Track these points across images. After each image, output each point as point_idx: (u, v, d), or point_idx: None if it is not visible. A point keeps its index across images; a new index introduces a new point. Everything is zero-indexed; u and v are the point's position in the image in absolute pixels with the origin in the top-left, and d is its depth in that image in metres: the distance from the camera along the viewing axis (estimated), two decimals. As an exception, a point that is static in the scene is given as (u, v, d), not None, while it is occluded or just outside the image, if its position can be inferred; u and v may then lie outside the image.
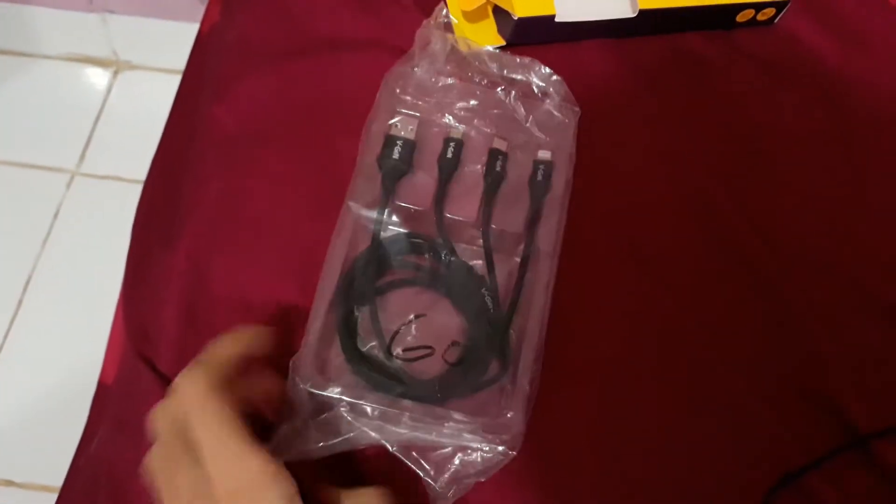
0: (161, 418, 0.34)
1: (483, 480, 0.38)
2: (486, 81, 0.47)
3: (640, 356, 0.44)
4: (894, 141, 0.52)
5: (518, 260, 0.43)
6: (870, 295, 0.47)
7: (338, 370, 0.40)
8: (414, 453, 0.38)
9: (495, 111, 0.47)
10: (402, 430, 0.37)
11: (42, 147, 1.24)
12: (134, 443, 0.42)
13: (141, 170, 0.56)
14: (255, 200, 0.47)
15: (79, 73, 1.31)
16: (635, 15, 0.51)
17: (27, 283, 1.13)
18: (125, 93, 1.30)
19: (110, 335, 0.50)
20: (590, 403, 0.43)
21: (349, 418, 0.37)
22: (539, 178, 0.45)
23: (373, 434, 0.37)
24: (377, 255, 0.43)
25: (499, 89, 0.47)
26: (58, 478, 0.47)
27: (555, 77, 0.47)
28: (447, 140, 0.45)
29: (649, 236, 0.48)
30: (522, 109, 0.47)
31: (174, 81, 0.58)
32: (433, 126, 0.46)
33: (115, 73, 1.31)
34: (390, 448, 0.38)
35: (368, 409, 0.38)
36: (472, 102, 0.47)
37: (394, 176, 0.44)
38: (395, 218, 0.44)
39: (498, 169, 0.45)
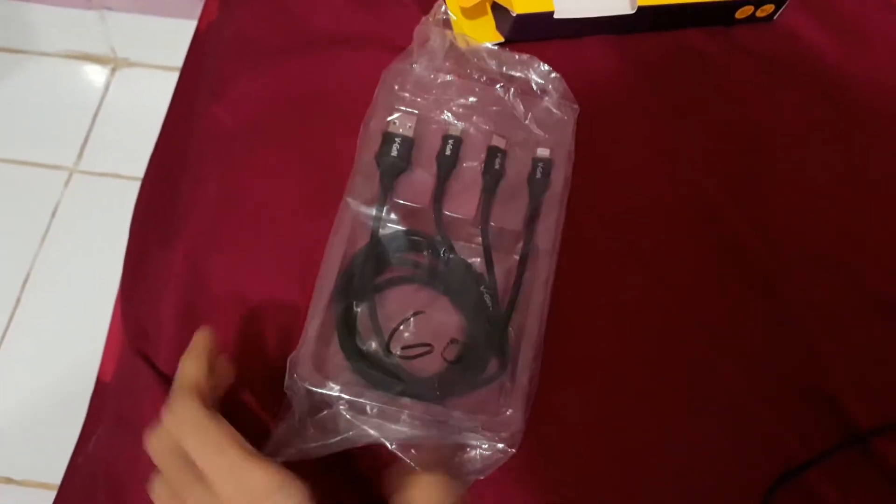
0: (158, 450, 0.34)
1: (482, 478, 0.38)
2: (484, 78, 0.47)
3: (640, 354, 0.44)
4: (894, 139, 0.52)
5: (517, 257, 0.43)
6: (869, 294, 0.47)
7: (336, 368, 0.40)
8: (413, 451, 0.38)
9: (494, 108, 0.46)
10: (402, 428, 0.37)
11: (40, 144, 1.24)
12: (132, 440, 0.42)
13: (139, 167, 0.55)
14: (254, 198, 0.47)
15: (77, 70, 1.31)
16: (634, 11, 0.51)
17: (25, 280, 1.13)
18: (123, 90, 1.29)
19: (109, 333, 0.50)
20: (589, 401, 0.43)
21: (348, 416, 0.37)
22: (538, 175, 0.45)
23: (372, 432, 0.37)
24: (376, 252, 0.43)
25: (498, 86, 0.47)
26: (56, 475, 0.47)
27: (554, 74, 0.47)
28: (446, 137, 0.45)
29: (649, 234, 0.47)
30: (521, 106, 0.47)
31: (172, 79, 0.58)
32: (432, 123, 0.46)
33: (113, 71, 1.31)
34: (389, 446, 0.38)
35: (367, 407, 0.38)
36: (471, 99, 0.46)
37: (392, 173, 0.44)
38: (393, 215, 0.44)
39: (497, 166, 0.45)
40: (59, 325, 1.09)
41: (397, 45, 0.49)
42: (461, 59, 0.47)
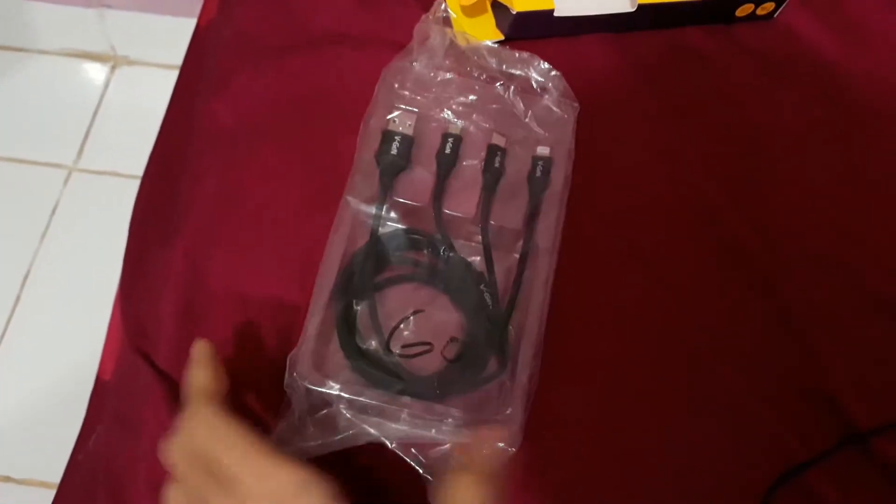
0: (178, 456, 0.34)
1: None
2: (484, 76, 0.47)
3: (640, 354, 0.44)
4: (894, 139, 0.52)
5: (517, 256, 0.43)
6: (869, 294, 0.47)
7: (336, 366, 0.40)
8: (413, 450, 0.38)
9: (494, 106, 0.46)
10: (401, 427, 0.37)
11: (40, 143, 1.23)
12: (132, 438, 0.42)
13: (139, 165, 0.55)
14: (253, 196, 0.47)
15: (76, 68, 1.31)
16: (634, 9, 0.51)
17: (25, 279, 1.13)
18: (123, 88, 1.29)
19: (108, 331, 0.50)
20: (589, 401, 0.42)
21: (348, 415, 0.37)
22: (538, 173, 0.45)
23: (372, 431, 0.37)
24: (375, 250, 0.43)
25: (497, 84, 0.47)
26: (56, 474, 0.47)
27: (554, 72, 0.47)
28: (446, 135, 0.45)
29: (649, 233, 0.47)
30: (521, 104, 0.46)
31: (172, 77, 0.58)
32: (431, 121, 0.46)
33: (113, 69, 1.31)
34: (389, 445, 0.38)
35: (367, 406, 0.37)
36: (471, 97, 0.46)
37: (392, 171, 0.44)
38: (393, 214, 0.44)
39: (497, 165, 0.45)
40: (58, 323, 1.09)
41: (397, 43, 0.49)
42: (461, 57, 0.47)
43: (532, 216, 0.44)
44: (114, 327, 0.49)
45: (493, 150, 0.45)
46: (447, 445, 0.38)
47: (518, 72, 0.47)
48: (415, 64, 0.47)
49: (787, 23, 0.55)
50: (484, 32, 0.52)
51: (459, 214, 0.44)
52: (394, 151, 0.44)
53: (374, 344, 0.41)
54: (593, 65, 0.52)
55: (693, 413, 0.43)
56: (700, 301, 0.46)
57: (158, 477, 0.40)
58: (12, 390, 1.06)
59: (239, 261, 0.45)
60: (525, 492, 0.40)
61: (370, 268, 0.42)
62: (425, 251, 0.44)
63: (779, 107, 0.53)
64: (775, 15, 0.55)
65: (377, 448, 0.38)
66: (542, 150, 0.46)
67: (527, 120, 0.46)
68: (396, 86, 0.46)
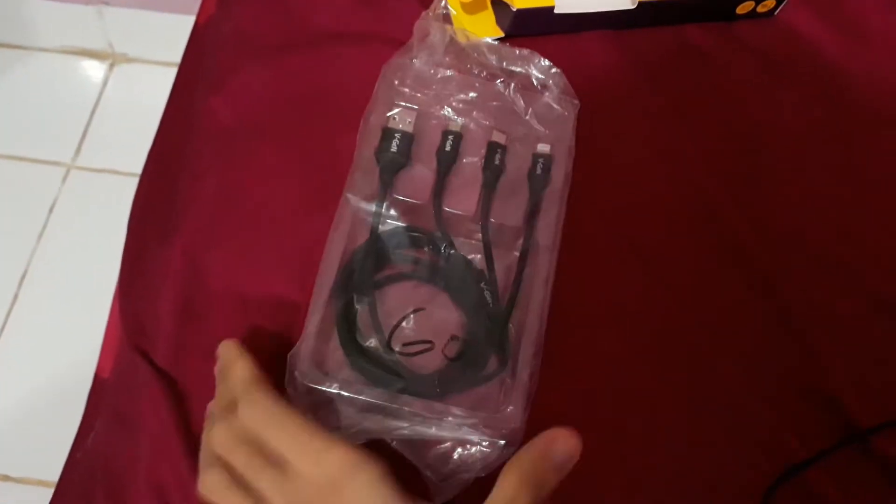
0: (222, 440, 0.35)
1: (483, 475, 0.38)
2: (485, 73, 0.47)
3: (640, 353, 0.44)
4: (894, 139, 0.52)
5: (517, 254, 0.43)
6: (869, 293, 0.47)
7: (337, 365, 0.40)
8: (414, 448, 0.38)
9: (494, 103, 0.46)
10: (402, 425, 0.37)
11: (38, 140, 1.23)
12: (131, 436, 0.42)
13: (137, 163, 0.55)
14: (252, 194, 0.47)
15: (74, 66, 1.31)
16: (635, 6, 0.51)
17: (23, 277, 1.13)
18: (121, 86, 1.29)
19: (107, 329, 0.50)
20: (589, 399, 0.42)
21: (348, 413, 0.37)
22: (538, 171, 0.45)
23: (372, 429, 0.37)
24: (375, 248, 0.42)
25: (498, 81, 0.47)
26: (54, 472, 0.47)
27: (554, 69, 0.47)
28: (446, 133, 0.45)
29: (649, 231, 0.47)
30: (522, 102, 0.46)
31: (170, 74, 0.58)
32: (432, 118, 0.46)
33: (111, 66, 1.31)
34: (390, 443, 0.38)
35: (368, 404, 0.37)
36: (471, 94, 0.46)
37: (392, 169, 0.44)
38: (393, 211, 0.43)
39: (497, 162, 0.45)
40: (56, 321, 1.09)
41: (397, 40, 0.49)
42: (461, 54, 0.47)
43: (532, 214, 0.44)
44: (112, 325, 0.49)
45: (493, 147, 0.45)
46: (448, 443, 0.38)
47: (518, 69, 0.47)
48: (415, 61, 0.46)
49: (788, 21, 0.55)
50: (484, 29, 0.52)
51: (459, 212, 0.44)
52: (394, 149, 0.44)
53: (374, 342, 0.41)
54: (593, 62, 0.52)
55: (693, 413, 0.43)
56: (700, 299, 0.46)
57: (157, 475, 0.40)
58: (10, 389, 1.05)
59: (238, 259, 0.45)
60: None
61: (370, 265, 0.42)
62: (425, 249, 0.44)
63: (779, 105, 0.53)
64: (776, 12, 0.55)
65: (378, 446, 0.38)
66: (543, 148, 0.45)
67: (527, 117, 0.46)
68: (396, 83, 0.46)
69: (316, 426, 0.34)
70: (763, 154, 0.51)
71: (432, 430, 0.37)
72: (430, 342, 0.41)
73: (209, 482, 0.34)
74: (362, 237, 0.43)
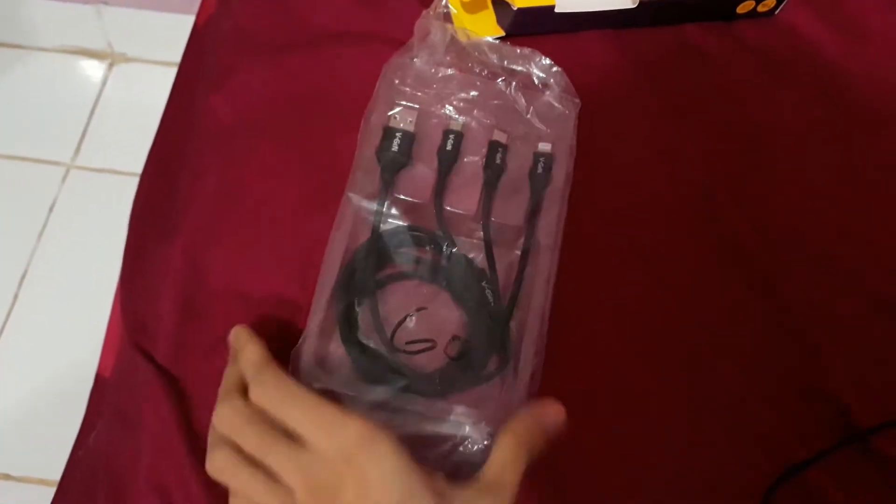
0: (232, 417, 0.35)
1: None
2: (485, 72, 0.47)
3: (640, 352, 0.44)
4: (894, 139, 0.52)
5: (518, 253, 0.43)
6: (869, 292, 0.47)
7: (338, 363, 0.40)
8: (415, 447, 0.38)
9: (495, 102, 0.46)
10: (403, 424, 0.37)
11: (37, 140, 1.23)
12: (132, 435, 0.42)
13: (137, 163, 0.55)
14: (253, 193, 0.47)
15: (74, 65, 1.31)
16: (635, 6, 0.51)
17: (23, 277, 1.13)
18: (121, 85, 1.29)
19: (108, 328, 0.50)
20: (590, 398, 0.42)
21: (349, 412, 0.37)
22: (539, 170, 0.45)
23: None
24: (377, 247, 0.42)
25: (499, 80, 0.47)
26: (55, 472, 0.47)
27: (555, 68, 0.47)
28: (447, 132, 0.45)
29: (649, 230, 0.47)
30: (523, 100, 0.46)
31: (170, 74, 0.58)
32: (432, 117, 0.46)
33: (111, 66, 1.31)
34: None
35: (369, 403, 0.37)
36: (472, 93, 0.46)
37: (393, 168, 0.44)
38: (394, 210, 0.43)
39: (498, 161, 0.45)
40: (57, 321, 1.09)
41: (398, 39, 0.49)
42: (462, 53, 0.47)
43: (533, 213, 0.44)
44: (113, 324, 0.49)
45: (494, 146, 0.45)
46: (449, 443, 0.38)
47: (519, 68, 0.47)
48: (415, 60, 0.46)
49: (788, 20, 0.55)
50: (485, 29, 0.52)
51: (460, 211, 0.44)
52: (395, 148, 0.44)
53: (376, 341, 0.41)
54: (594, 62, 0.52)
55: (693, 413, 0.43)
56: (700, 299, 0.46)
57: (159, 473, 0.40)
58: (11, 388, 1.05)
59: (238, 258, 0.45)
60: (525, 489, 0.40)
61: (372, 265, 0.42)
62: (427, 248, 0.44)
63: (779, 105, 0.53)
64: (776, 12, 0.55)
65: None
66: (544, 147, 0.46)
67: (528, 116, 0.46)
68: (397, 82, 0.46)
69: (328, 401, 0.34)
70: (763, 154, 0.51)
71: (433, 429, 0.37)
72: (431, 341, 0.41)
73: (217, 461, 0.34)
74: (364, 236, 0.43)
